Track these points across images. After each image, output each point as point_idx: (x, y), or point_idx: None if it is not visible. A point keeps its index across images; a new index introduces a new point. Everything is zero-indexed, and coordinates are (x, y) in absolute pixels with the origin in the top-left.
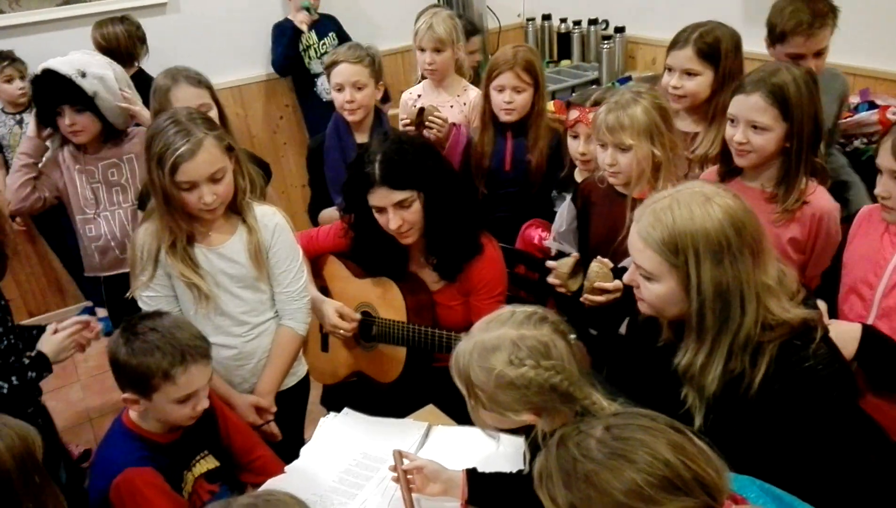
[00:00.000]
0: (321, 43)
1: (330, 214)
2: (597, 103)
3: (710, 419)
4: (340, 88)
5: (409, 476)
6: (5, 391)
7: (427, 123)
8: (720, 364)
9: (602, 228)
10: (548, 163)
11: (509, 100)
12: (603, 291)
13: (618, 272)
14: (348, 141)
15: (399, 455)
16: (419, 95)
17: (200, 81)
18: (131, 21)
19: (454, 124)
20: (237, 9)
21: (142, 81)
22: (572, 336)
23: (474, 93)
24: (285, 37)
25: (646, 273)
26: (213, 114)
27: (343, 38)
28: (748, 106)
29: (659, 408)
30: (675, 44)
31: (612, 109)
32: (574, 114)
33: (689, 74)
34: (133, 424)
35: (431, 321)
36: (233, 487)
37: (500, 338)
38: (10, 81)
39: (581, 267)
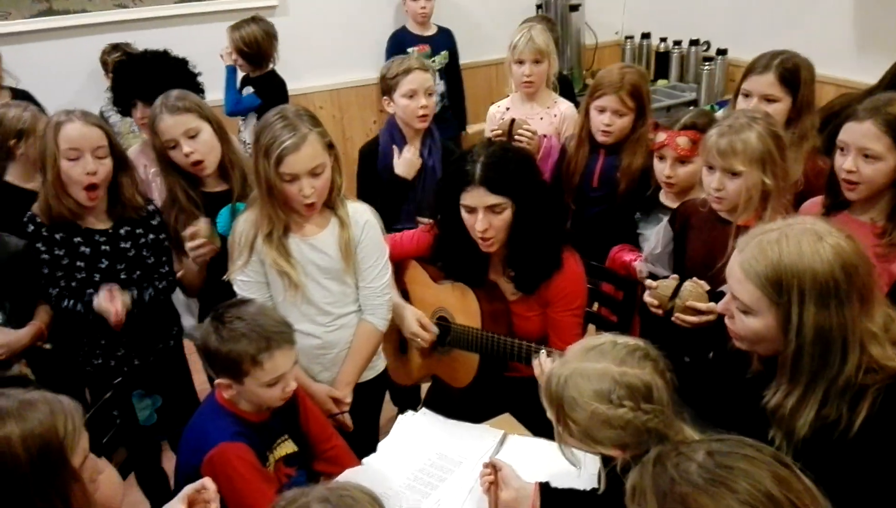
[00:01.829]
0: (432, 60)
1: None
2: (686, 127)
3: (798, 463)
4: (413, 95)
5: (490, 479)
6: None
7: (517, 136)
8: (813, 409)
9: (700, 252)
10: (638, 186)
11: (608, 123)
12: (696, 312)
13: (714, 296)
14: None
15: (492, 466)
16: (507, 109)
17: (179, 108)
18: (265, 21)
19: (544, 136)
20: (343, 15)
21: (274, 83)
22: (670, 374)
23: (565, 105)
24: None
25: (743, 306)
26: (205, 135)
27: (454, 54)
28: (860, 133)
29: None
30: (754, 69)
31: (724, 132)
32: (661, 137)
33: (769, 99)
34: (227, 402)
35: (506, 330)
36: (308, 472)
37: (601, 373)
38: None
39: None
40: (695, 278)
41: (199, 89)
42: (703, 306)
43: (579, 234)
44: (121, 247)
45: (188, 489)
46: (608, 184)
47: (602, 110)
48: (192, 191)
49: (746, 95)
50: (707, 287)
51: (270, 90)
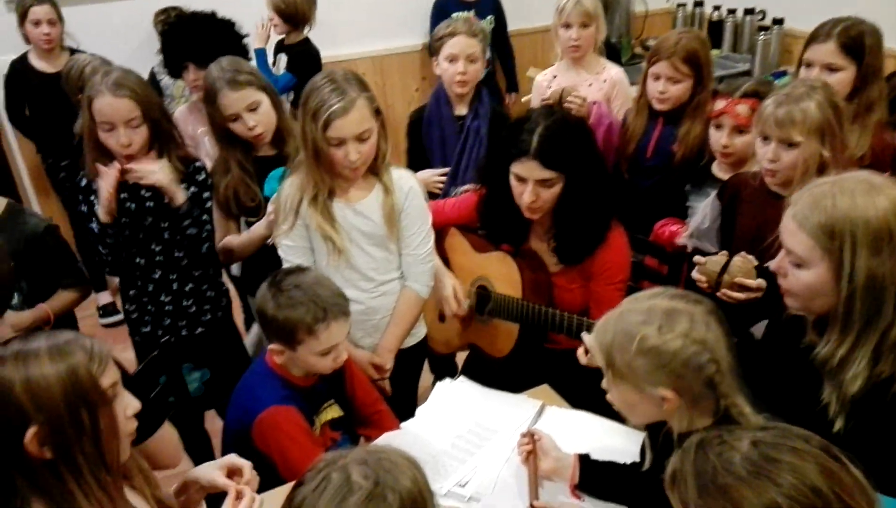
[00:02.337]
0: None
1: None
2: (746, 95)
3: (850, 423)
4: (454, 60)
5: (529, 448)
6: None
7: (566, 104)
8: (863, 362)
9: (750, 227)
10: (695, 157)
11: (663, 90)
12: (743, 288)
13: (762, 273)
14: (447, 113)
15: (531, 435)
16: (554, 76)
17: (241, 82)
18: None
19: (594, 103)
20: None
21: (308, 55)
22: (726, 325)
23: (615, 70)
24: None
25: (797, 259)
26: (265, 106)
27: (501, 20)
28: None
29: (796, 410)
30: (816, 38)
31: (782, 102)
32: (720, 104)
33: (831, 69)
34: (277, 366)
35: (547, 301)
36: (353, 436)
37: (651, 307)
38: None
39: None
40: (743, 253)
41: (244, 51)
42: (751, 282)
43: (631, 206)
44: (165, 203)
45: (229, 458)
46: (662, 154)
47: (657, 77)
48: (247, 162)
49: (808, 65)
50: (755, 262)
51: (304, 63)
